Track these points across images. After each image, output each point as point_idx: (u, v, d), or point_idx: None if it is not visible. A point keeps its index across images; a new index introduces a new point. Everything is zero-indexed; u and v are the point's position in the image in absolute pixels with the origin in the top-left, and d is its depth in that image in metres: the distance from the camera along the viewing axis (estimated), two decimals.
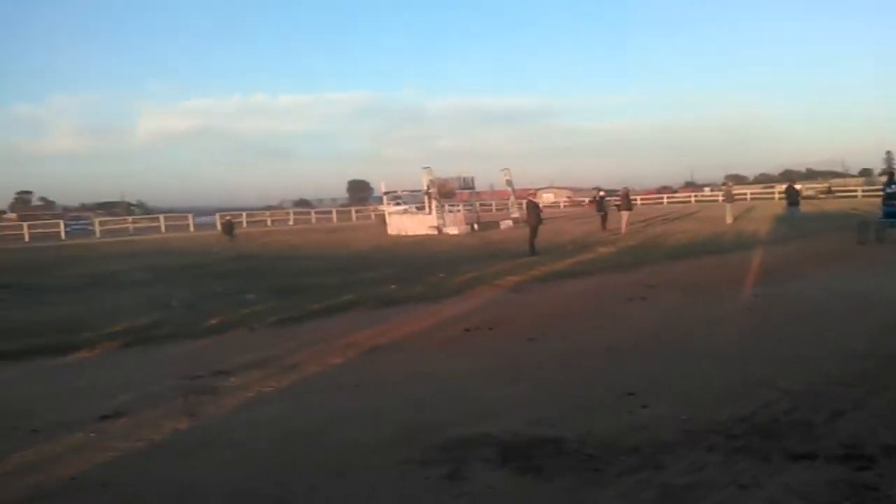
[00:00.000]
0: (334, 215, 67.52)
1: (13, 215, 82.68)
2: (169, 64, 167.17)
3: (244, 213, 59.45)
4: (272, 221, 62.48)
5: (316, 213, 70.32)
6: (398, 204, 42.05)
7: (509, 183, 45.59)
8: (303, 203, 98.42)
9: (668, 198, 78.83)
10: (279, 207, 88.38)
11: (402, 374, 7.45)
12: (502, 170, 45.50)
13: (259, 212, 69.58)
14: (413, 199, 41.47)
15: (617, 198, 36.04)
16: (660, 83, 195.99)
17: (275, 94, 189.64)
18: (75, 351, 9.02)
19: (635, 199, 51.55)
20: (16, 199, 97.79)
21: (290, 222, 62.28)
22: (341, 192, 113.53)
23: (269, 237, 39.43)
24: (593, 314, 10.57)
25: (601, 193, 34.49)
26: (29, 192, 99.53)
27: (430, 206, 37.00)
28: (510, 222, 39.21)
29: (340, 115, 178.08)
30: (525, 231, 22.39)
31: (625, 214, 30.07)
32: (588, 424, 5.42)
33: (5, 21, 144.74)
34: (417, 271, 17.02)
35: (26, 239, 47.84)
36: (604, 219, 31.02)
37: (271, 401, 6.60)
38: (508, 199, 47.16)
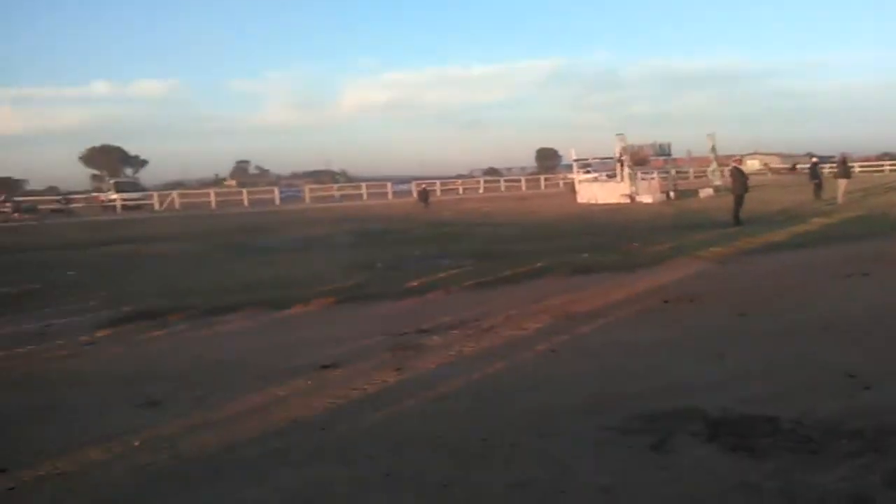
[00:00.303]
0: (523, 183, 67.75)
1: (233, 182, 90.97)
2: (373, 40, 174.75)
3: (438, 182, 61.26)
4: (463, 189, 63.92)
5: (505, 181, 70.97)
6: (588, 171, 41.28)
7: (713, 149, 43.12)
8: (492, 171, 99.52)
9: (890, 166, 70.84)
10: (469, 176, 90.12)
11: (598, 342, 7.39)
12: (708, 135, 43.08)
13: (451, 180, 71.43)
14: (603, 167, 40.47)
15: (833, 164, 32.97)
16: (881, 40, 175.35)
17: (468, 65, 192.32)
18: (293, 306, 9.84)
19: (853, 166, 46.78)
20: (235, 167, 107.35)
21: (481, 190, 63.38)
22: (530, 161, 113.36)
23: (462, 204, 40.42)
24: (807, 290, 9.82)
25: (814, 160, 31.74)
26: (246, 161, 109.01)
27: (622, 174, 35.98)
28: (710, 191, 37.20)
29: (530, 82, 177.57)
30: (727, 200, 21.18)
31: (842, 182, 27.49)
32: (804, 405, 5.08)
33: (232, 4, 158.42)
34: (610, 240, 16.72)
35: (245, 204, 52.49)
36: (818, 187, 28.56)
37: (471, 360, 6.82)
38: (709, 166, 44.71)
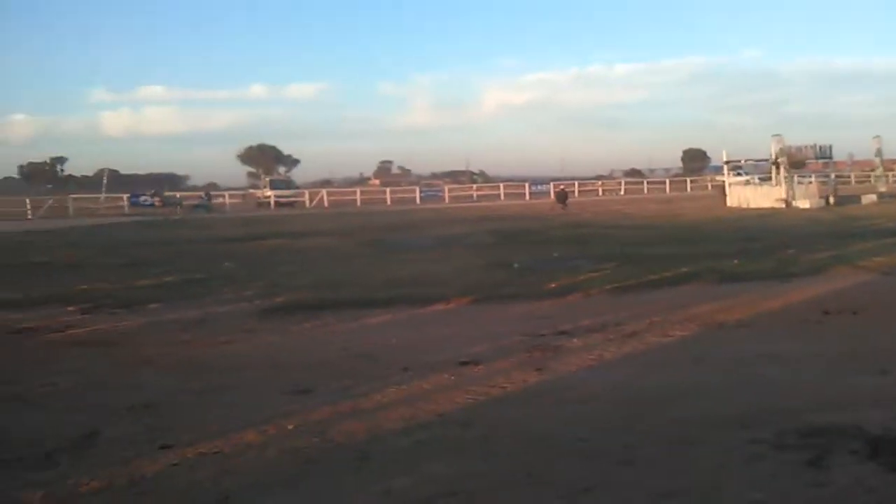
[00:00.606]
0: (667, 185, 65.52)
1: (377, 181, 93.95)
2: (514, 41, 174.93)
3: (576, 183, 60.46)
4: (603, 191, 62.71)
5: (648, 182, 68.95)
6: (738, 174, 39.32)
7: (879, 153, 39.91)
8: (634, 173, 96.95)
9: None
10: (610, 177, 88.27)
11: (750, 352, 7.03)
12: (874, 137, 39.92)
13: (590, 181, 70.27)
14: (755, 169, 38.43)
15: None
16: None
17: (610, 64, 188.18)
18: (433, 303, 10.04)
19: None
20: (379, 167, 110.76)
21: (622, 192, 61.91)
22: (675, 162, 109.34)
23: (601, 206, 39.67)
24: None
25: None
26: (389, 162, 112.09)
27: (777, 177, 33.97)
28: (874, 197, 34.44)
29: (674, 82, 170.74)
30: (893, 207, 19.53)
31: None
32: None
33: (379, 11, 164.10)
34: (763, 246, 15.85)
35: (388, 203, 54.06)
36: None
37: (613, 365, 6.70)
38: (874, 170, 41.41)
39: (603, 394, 5.85)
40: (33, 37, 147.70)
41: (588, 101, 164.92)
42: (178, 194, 51.91)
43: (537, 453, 4.58)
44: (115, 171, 67.71)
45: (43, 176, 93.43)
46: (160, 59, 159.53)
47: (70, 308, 10.31)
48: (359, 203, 52.53)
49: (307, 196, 53.73)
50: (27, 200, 45.80)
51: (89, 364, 7.37)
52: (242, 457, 4.72)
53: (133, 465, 4.57)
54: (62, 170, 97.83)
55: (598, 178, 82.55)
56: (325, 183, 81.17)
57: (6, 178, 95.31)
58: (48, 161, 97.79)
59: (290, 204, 50.39)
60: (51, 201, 48.28)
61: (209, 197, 47.37)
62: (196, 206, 42.60)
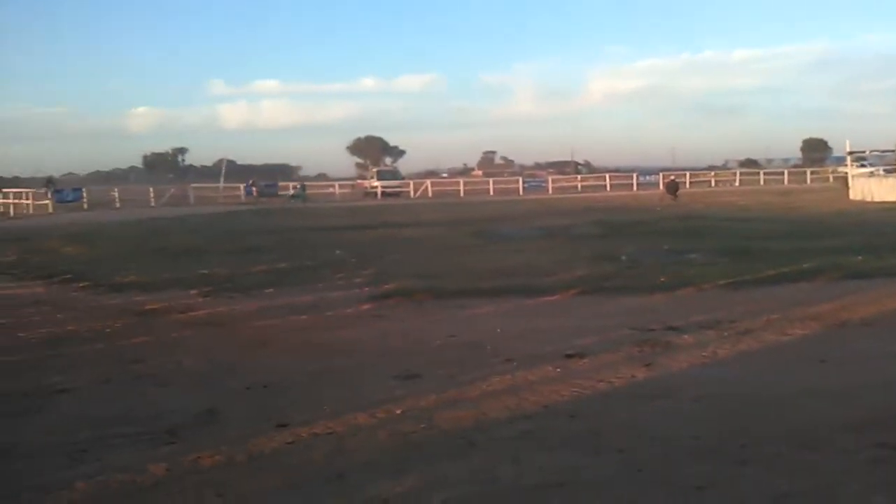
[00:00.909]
0: (785, 176, 62.42)
1: (479, 172, 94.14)
2: (624, 28, 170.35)
3: (687, 173, 58.50)
4: (716, 182, 60.44)
5: (764, 173, 65.92)
6: (862, 165, 36.99)
7: None
8: (749, 163, 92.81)
9: None
10: (723, 167, 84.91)
11: (875, 352, 6.66)
12: None
13: (702, 172, 67.84)
14: (880, 161, 36.06)
15: None
16: None
17: (726, 49, 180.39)
18: (538, 294, 9.99)
19: None
20: (482, 157, 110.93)
21: (736, 183, 59.47)
22: (794, 152, 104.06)
23: (713, 198, 38.26)
24: None
25: None
26: (493, 152, 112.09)
27: None
28: None
29: (793, 68, 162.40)
30: None
31: None
32: None
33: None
34: (889, 242, 14.86)
35: (491, 193, 54.08)
36: None
37: (726, 363, 6.48)
38: None
39: (716, 392, 5.67)
40: (158, 33, 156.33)
41: (701, 88, 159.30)
42: (279, 184, 53.40)
43: (647, 450, 4.50)
44: (233, 162, 70.76)
45: (165, 166, 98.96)
46: (275, 54, 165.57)
47: (192, 291, 10.89)
48: (462, 193, 52.80)
49: (412, 186, 54.50)
50: (151, 189, 48.56)
51: (210, 345, 7.79)
52: (354, 438, 4.87)
53: (251, 442, 4.80)
54: (183, 160, 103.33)
55: (711, 168, 79.55)
56: (430, 173, 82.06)
57: (132, 168, 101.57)
58: (170, 151, 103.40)
59: (396, 194, 51.26)
60: (172, 190, 51.07)
61: (304, 188, 48.30)
62: (291, 197, 43.63)
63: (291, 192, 43.62)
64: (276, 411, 5.42)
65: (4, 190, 44.08)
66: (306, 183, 54.37)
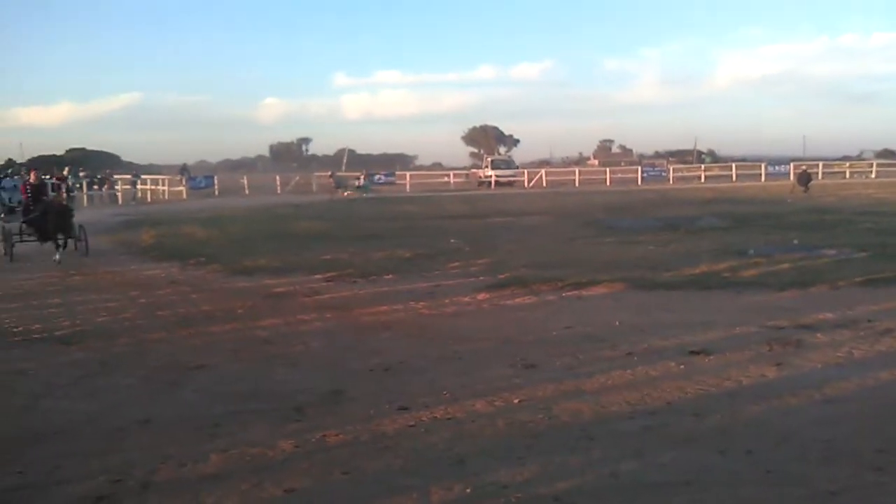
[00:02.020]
0: None
1: (595, 161, 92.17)
2: (756, 10, 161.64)
3: (819, 164, 55.15)
4: (850, 173, 56.66)
5: None
6: None
7: None
8: (887, 154, 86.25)
9: None
10: (859, 158, 79.44)
11: None
12: None
13: (836, 162, 63.77)
14: None
15: None
16: None
17: (866, 33, 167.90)
18: (659, 287, 9.74)
19: None
20: (599, 146, 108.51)
21: (872, 174, 55.51)
22: None
23: (848, 190, 35.93)
24: None
25: None
26: (610, 141, 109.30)
27: None
28: None
29: None
30: None
31: None
32: None
33: None
34: None
35: (607, 183, 52.95)
36: None
37: (863, 364, 6.11)
38: None
39: (851, 394, 5.37)
40: (284, 28, 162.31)
41: (837, 73, 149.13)
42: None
43: (777, 451, 4.32)
44: (353, 151, 72.66)
45: (290, 155, 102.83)
46: (396, 45, 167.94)
47: (316, 276, 11.31)
48: (577, 183, 51.97)
49: (526, 176, 54.15)
50: (277, 177, 50.58)
51: (334, 328, 8.07)
52: (473, 424, 4.93)
53: (374, 423, 4.96)
54: (307, 149, 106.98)
55: (845, 158, 74.62)
56: (544, 163, 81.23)
57: (259, 157, 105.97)
58: (295, 141, 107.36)
59: (510, 183, 51.06)
60: (297, 178, 53.01)
61: (371, 180, 47.19)
62: (357, 188, 43.05)
63: (356, 184, 43.14)
64: (398, 394, 5.57)
65: (143, 176, 47.10)
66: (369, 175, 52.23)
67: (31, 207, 14.60)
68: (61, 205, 14.77)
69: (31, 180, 15.37)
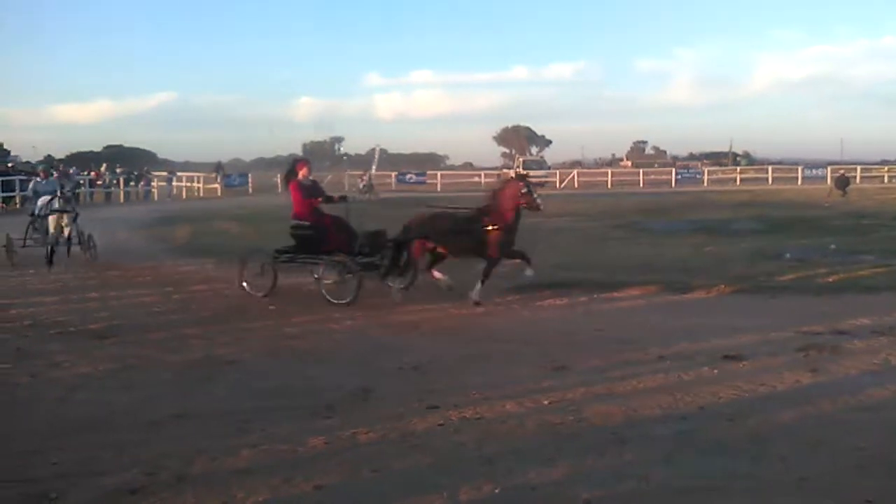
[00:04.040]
0: None
1: (628, 162, 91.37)
2: (796, 12, 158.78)
3: (858, 167, 54.09)
4: (889, 178, 55.48)
5: None
6: None
7: None
8: None
9: None
10: None
11: None
12: None
13: (875, 166, 62.47)
14: None
15: None
16: None
17: None
18: (693, 290, 9.62)
19: None
20: (632, 147, 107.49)
21: None
22: None
23: (887, 194, 35.14)
24: None
25: None
26: (644, 142, 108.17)
27: None
28: None
29: None
30: None
31: None
32: None
33: None
34: None
35: (640, 185, 52.50)
36: None
37: None
38: None
39: (887, 402, 5.27)
40: (319, 28, 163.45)
41: (878, 76, 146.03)
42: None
43: (811, 459, 4.25)
44: (385, 151, 72.87)
45: (322, 153, 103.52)
46: (430, 45, 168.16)
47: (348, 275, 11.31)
48: (609, 185, 51.61)
49: (558, 176, 53.90)
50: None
51: (364, 325, 8.11)
52: (503, 425, 4.92)
53: (404, 422, 4.97)
54: (339, 148, 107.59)
55: (884, 162, 73.02)
56: (576, 164, 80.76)
57: (290, 155, 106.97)
58: (328, 140, 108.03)
59: (541, 184, 50.87)
60: (329, 177, 53.39)
61: (371, 180, 44.60)
62: (363, 190, 41.01)
63: (361, 184, 40.16)
64: (427, 393, 5.58)
65: (178, 174, 47.73)
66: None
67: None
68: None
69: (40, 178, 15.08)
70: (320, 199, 9.81)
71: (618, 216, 22.85)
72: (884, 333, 7.20)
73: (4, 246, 13.32)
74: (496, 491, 3.90)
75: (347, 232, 9.64)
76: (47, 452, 4.57)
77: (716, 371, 6.04)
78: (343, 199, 10.49)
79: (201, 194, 42.00)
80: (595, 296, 9.44)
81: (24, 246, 13.28)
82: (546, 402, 5.33)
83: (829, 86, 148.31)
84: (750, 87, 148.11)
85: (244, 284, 9.87)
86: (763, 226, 18.69)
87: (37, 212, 13.63)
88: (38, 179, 14.93)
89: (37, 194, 14.20)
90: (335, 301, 9.02)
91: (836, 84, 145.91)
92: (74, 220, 13.40)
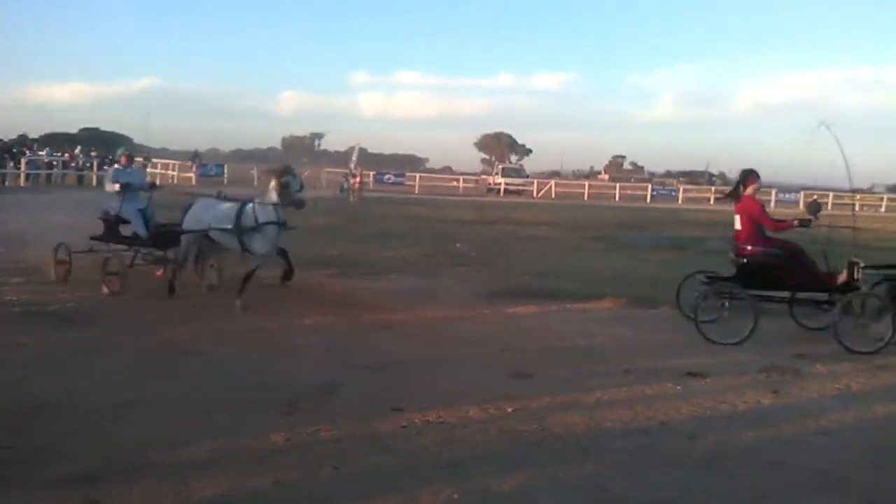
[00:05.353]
0: None
1: (605, 176, 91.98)
2: (782, 37, 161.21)
3: (830, 194, 55.01)
4: (861, 206, 56.49)
5: None
6: None
7: None
8: None
9: None
10: (870, 191, 79.23)
11: None
12: None
13: (846, 194, 63.55)
14: None
15: None
16: None
17: (883, 65, 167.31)
18: (662, 305, 9.68)
19: None
20: (611, 161, 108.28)
21: (882, 209, 55.35)
22: None
23: (857, 223, 35.69)
24: None
25: None
26: (622, 156, 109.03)
27: None
28: None
29: None
30: None
31: None
32: None
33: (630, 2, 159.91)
34: None
35: (616, 199, 52.92)
36: None
37: (861, 397, 6.11)
38: None
39: (848, 427, 5.35)
40: (309, 23, 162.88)
41: (856, 105, 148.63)
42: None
43: (771, 478, 4.32)
44: (365, 149, 72.58)
45: (301, 148, 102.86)
46: (418, 45, 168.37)
47: (322, 271, 11.28)
48: (586, 197, 51.95)
49: (535, 185, 54.14)
50: None
51: (334, 322, 8.07)
52: (465, 430, 4.93)
53: (367, 422, 4.96)
54: (319, 144, 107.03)
55: (855, 191, 74.35)
56: (554, 174, 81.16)
57: (270, 148, 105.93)
58: (308, 135, 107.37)
59: (519, 192, 51.07)
60: (307, 173, 53.09)
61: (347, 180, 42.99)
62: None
63: (345, 183, 39.06)
64: (392, 394, 5.57)
65: (154, 160, 47.14)
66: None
67: None
68: None
69: None
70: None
71: (593, 228, 23.00)
72: (846, 359, 7.30)
73: (60, 261, 9.71)
74: (455, 496, 3.90)
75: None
76: (2, 435, 4.49)
77: (679, 387, 6.10)
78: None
79: (176, 182, 41.49)
80: (567, 306, 9.49)
81: (131, 265, 9.49)
82: (510, 410, 5.34)
83: (812, 112, 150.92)
84: (732, 109, 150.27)
85: None
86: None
87: (116, 212, 9.68)
88: (120, 167, 10.21)
89: (123, 189, 9.65)
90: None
91: (819, 111, 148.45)
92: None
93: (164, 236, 9.36)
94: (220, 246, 9.08)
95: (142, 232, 9.56)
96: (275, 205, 8.42)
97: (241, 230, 8.44)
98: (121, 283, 9.01)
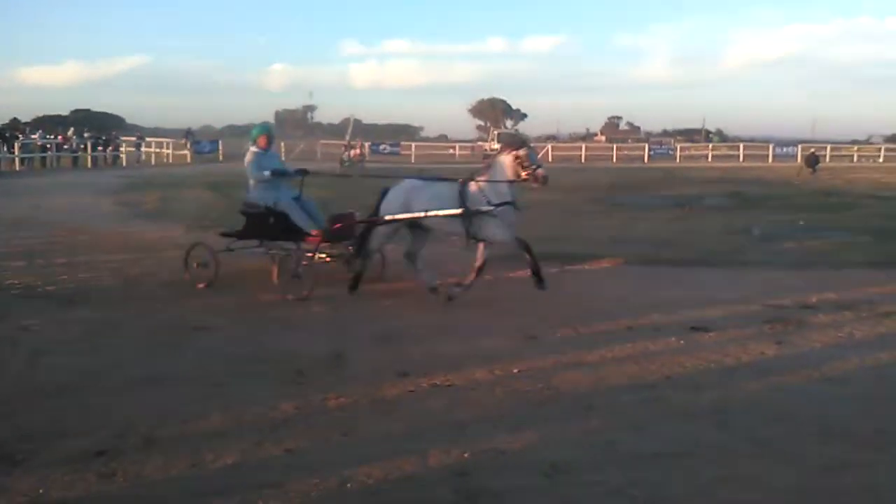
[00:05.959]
0: None
1: (602, 137, 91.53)
2: None
3: (828, 146, 54.79)
4: (859, 157, 56.30)
5: None
6: None
7: None
8: None
9: None
10: (867, 142, 78.92)
11: None
12: None
13: (844, 146, 63.31)
14: None
15: None
16: None
17: (881, 16, 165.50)
18: (662, 264, 9.73)
19: None
20: (607, 122, 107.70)
21: (880, 159, 55.16)
22: None
23: (855, 173, 35.72)
24: None
25: None
26: (618, 117, 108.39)
27: None
28: None
29: None
30: None
31: None
32: None
33: None
34: None
35: (613, 160, 52.68)
36: None
37: (864, 345, 6.13)
38: None
39: (851, 375, 5.40)
40: None
41: (851, 57, 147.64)
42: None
43: (774, 428, 4.36)
44: (359, 121, 72.13)
45: (294, 122, 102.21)
46: (408, 11, 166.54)
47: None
48: (583, 159, 51.71)
49: None
50: (282, 144, 50.28)
51: (337, 294, 8.06)
52: (472, 392, 4.97)
53: (374, 388, 5.00)
54: (312, 117, 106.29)
55: (854, 142, 74.07)
56: (551, 138, 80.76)
57: (263, 123, 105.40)
58: (300, 108, 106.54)
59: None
60: (302, 146, 52.75)
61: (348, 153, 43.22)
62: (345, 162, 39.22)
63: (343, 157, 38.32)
64: (398, 360, 5.60)
65: (147, 139, 46.82)
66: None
67: None
68: None
69: None
70: None
71: (591, 190, 22.90)
72: (848, 308, 7.34)
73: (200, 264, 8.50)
74: (465, 455, 3.95)
75: None
76: (14, 415, 4.53)
77: (682, 342, 6.14)
78: None
79: (171, 160, 41.28)
80: (566, 267, 9.49)
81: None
82: (515, 371, 5.38)
83: (804, 65, 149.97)
84: (725, 65, 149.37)
85: None
86: (734, 202, 18.90)
87: (268, 204, 8.37)
88: (258, 149, 8.70)
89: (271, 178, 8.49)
90: None
91: (811, 63, 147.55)
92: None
93: (339, 230, 8.29)
94: (428, 235, 8.11)
95: (304, 225, 8.31)
96: (510, 182, 7.56)
97: (470, 214, 7.49)
98: (311, 286, 7.75)
